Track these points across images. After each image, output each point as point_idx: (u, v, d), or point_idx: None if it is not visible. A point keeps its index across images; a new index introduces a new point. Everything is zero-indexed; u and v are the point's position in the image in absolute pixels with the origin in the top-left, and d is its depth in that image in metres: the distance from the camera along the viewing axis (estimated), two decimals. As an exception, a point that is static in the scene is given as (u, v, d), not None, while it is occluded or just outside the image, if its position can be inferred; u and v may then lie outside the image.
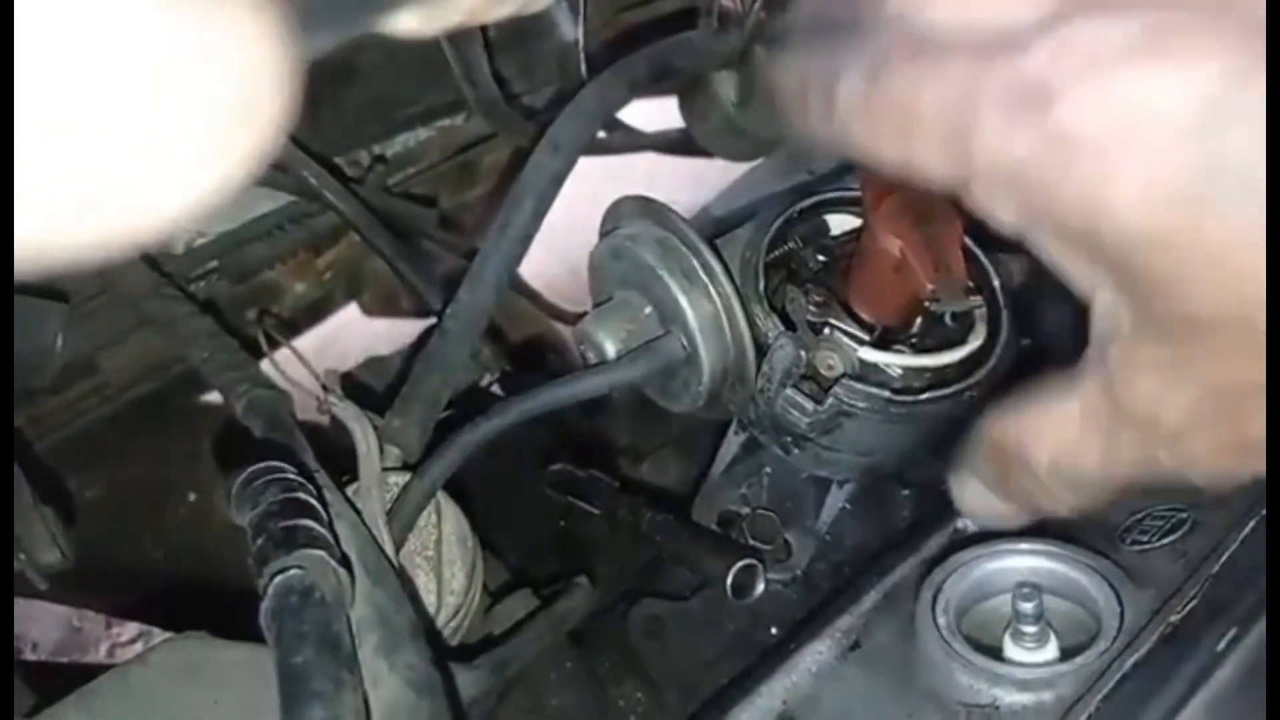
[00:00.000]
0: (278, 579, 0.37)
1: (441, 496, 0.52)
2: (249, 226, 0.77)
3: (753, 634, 0.56)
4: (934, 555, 0.50)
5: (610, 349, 0.50)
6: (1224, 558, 0.42)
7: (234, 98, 0.15)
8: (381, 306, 0.97)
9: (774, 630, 0.56)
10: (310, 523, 0.40)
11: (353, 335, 1.27)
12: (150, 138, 0.14)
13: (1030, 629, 0.42)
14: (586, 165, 0.72)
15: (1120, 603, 0.42)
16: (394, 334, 1.12)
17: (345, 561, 0.40)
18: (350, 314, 1.03)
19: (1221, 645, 0.37)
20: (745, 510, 0.60)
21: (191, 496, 0.94)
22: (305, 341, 0.94)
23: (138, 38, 0.14)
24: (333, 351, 1.25)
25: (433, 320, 0.78)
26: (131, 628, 1.24)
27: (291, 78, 0.15)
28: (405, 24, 0.21)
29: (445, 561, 0.51)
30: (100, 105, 0.14)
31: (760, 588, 0.50)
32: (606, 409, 0.73)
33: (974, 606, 0.45)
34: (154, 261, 0.71)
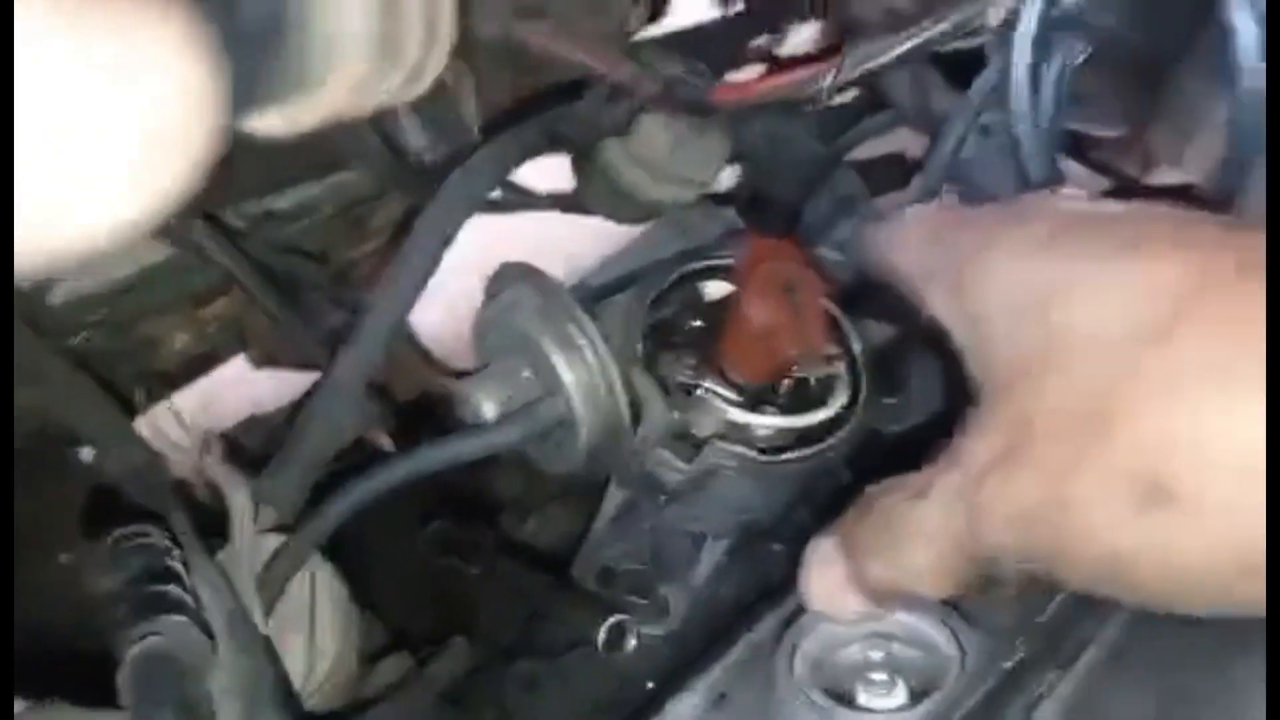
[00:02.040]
0: (137, 646, 0.36)
1: (317, 560, 0.52)
2: (129, 279, 0.75)
3: (628, 689, 0.57)
4: (796, 609, 0.53)
5: (489, 411, 0.51)
6: (1051, 605, 0.45)
7: (157, 129, 0.15)
8: (269, 360, 0.96)
9: (650, 685, 0.57)
10: (173, 588, 0.40)
11: (239, 389, 1.24)
12: (74, 167, 0.15)
13: (879, 676, 0.44)
14: (489, 223, 0.74)
15: (963, 650, 0.45)
16: (283, 388, 1.10)
17: (207, 628, 0.39)
18: (238, 366, 1.01)
19: (1043, 688, 0.40)
20: (625, 566, 0.61)
21: (63, 558, 0.90)
22: (190, 395, 0.92)
23: (63, 72, 0.14)
24: (219, 406, 1.22)
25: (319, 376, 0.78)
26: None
27: (217, 112, 0.16)
28: (268, 124, 0.22)
29: (317, 625, 0.51)
30: (23, 136, 0.14)
31: (632, 643, 0.52)
32: (491, 465, 0.74)
33: (830, 656, 0.47)
34: (30, 315, 0.69)
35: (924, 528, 0.36)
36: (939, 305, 0.39)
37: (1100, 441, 0.31)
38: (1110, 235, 0.34)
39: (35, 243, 0.15)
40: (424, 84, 0.27)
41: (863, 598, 0.40)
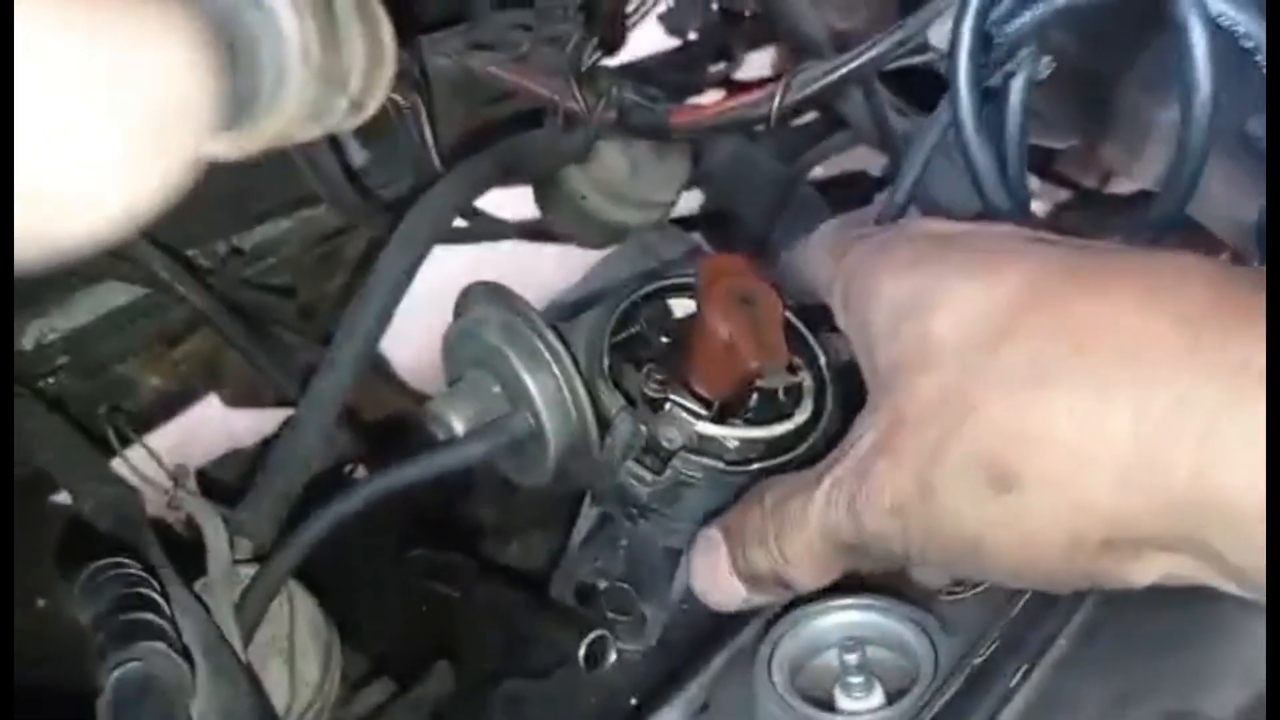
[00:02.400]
0: (116, 673, 0.37)
1: (295, 586, 0.53)
2: (99, 321, 0.76)
3: (612, 705, 0.57)
4: (775, 614, 0.54)
5: (459, 427, 0.52)
6: (1021, 603, 0.46)
7: (153, 126, 0.16)
8: (242, 398, 0.96)
9: (633, 700, 0.58)
10: (151, 616, 0.40)
11: (214, 427, 1.24)
12: (68, 162, 0.15)
13: (856, 679, 0.45)
14: (461, 254, 0.75)
15: (935, 650, 0.46)
16: (257, 425, 1.10)
17: (186, 654, 0.40)
18: (212, 406, 1.02)
19: (1014, 681, 0.41)
20: (602, 583, 0.61)
21: (40, 602, 0.89)
22: (165, 435, 0.92)
23: (56, 60, 0.15)
24: (194, 445, 1.22)
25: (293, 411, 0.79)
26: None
27: (209, 113, 0.16)
28: (212, 149, 0.23)
29: (298, 652, 0.51)
30: (21, 122, 0.15)
31: (612, 657, 0.52)
32: (470, 491, 0.75)
33: (807, 661, 0.48)
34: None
35: (806, 518, 0.40)
36: (838, 316, 0.45)
37: (956, 431, 0.35)
38: (966, 253, 0.39)
39: (32, 237, 0.16)
40: (368, 111, 0.28)
41: (743, 585, 0.43)
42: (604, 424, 0.53)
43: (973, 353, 0.35)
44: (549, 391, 0.51)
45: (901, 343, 0.38)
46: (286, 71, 0.23)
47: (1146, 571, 0.33)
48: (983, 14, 0.51)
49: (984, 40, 0.51)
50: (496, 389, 0.52)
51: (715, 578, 0.44)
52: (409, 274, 0.59)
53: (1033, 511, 0.33)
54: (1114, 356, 0.32)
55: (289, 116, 0.24)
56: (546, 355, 0.51)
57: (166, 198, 0.17)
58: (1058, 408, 0.33)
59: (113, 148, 0.16)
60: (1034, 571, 0.35)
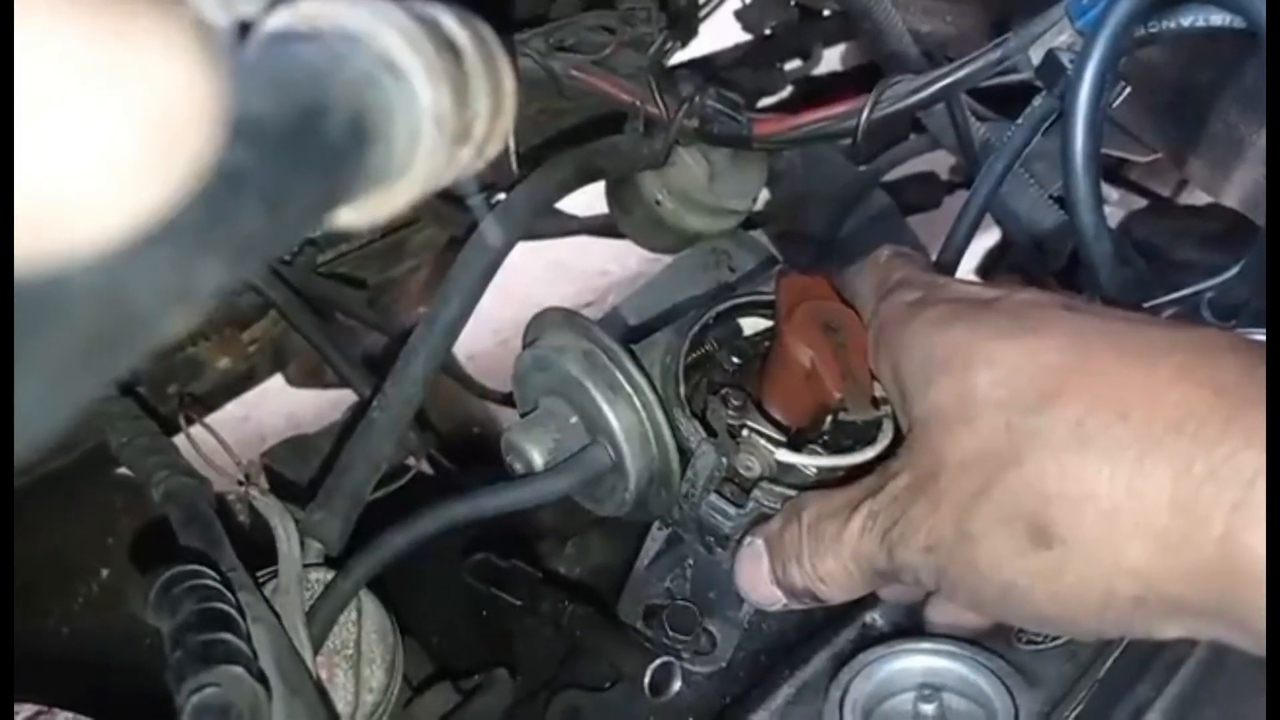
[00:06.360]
0: (195, 698, 0.37)
1: (363, 593, 0.53)
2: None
3: (673, 724, 0.57)
4: (844, 650, 0.53)
5: (538, 459, 0.51)
6: (1109, 662, 0.45)
7: (153, 126, 0.15)
8: (306, 378, 0.97)
9: (693, 722, 0.57)
10: (229, 636, 0.40)
11: (275, 402, 1.25)
12: (63, 157, 0.14)
13: (931, 729, 0.44)
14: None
15: (1015, 703, 0.45)
16: (317, 400, 1.11)
17: (262, 677, 0.40)
18: (274, 382, 1.03)
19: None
20: (669, 603, 0.61)
21: (104, 573, 0.91)
22: (227, 408, 0.93)
23: (57, 60, 0.14)
24: (255, 419, 1.23)
25: (356, 398, 0.79)
26: (28, 708, 1.18)
27: (215, 112, 0.16)
28: (343, 219, 0.23)
29: (365, 660, 0.51)
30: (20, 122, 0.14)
31: (677, 685, 0.52)
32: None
33: (879, 705, 0.47)
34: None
35: (841, 543, 0.42)
36: (870, 353, 0.48)
37: (997, 484, 0.36)
38: (1005, 316, 0.41)
39: (30, 240, 0.15)
40: (488, 157, 0.27)
41: (781, 594, 0.46)
42: (681, 452, 0.52)
43: (1016, 411, 0.37)
44: (630, 424, 0.50)
45: (938, 394, 0.40)
46: (419, 141, 0.22)
47: (1174, 629, 0.35)
48: (1105, 73, 0.48)
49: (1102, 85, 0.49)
50: (574, 419, 0.52)
51: (758, 585, 0.47)
52: (486, 278, 0.58)
53: (1070, 568, 0.35)
54: (1157, 424, 0.34)
55: (418, 183, 0.23)
56: (627, 387, 0.50)
57: (172, 201, 0.16)
58: (1100, 470, 0.34)
59: (114, 149, 0.15)
60: (1064, 621, 0.37)
